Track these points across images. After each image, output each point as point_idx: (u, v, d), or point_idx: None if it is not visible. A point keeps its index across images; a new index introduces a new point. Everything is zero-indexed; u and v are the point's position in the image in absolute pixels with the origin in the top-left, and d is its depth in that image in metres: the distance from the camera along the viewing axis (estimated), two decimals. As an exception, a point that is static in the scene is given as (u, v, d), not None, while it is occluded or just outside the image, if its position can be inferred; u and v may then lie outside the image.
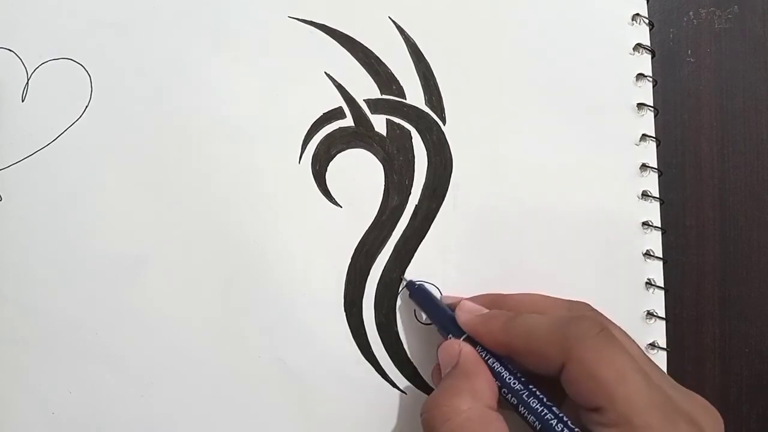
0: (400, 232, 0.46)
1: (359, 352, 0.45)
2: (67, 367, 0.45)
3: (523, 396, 0.36)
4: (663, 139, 0.47)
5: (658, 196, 0.47)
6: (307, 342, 0.45)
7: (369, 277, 0.45)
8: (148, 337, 0.45)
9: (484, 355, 0.39)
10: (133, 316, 0.45)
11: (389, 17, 0.46)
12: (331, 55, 0.46)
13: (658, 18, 0.48)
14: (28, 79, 0.45)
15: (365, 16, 0.46)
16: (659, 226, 0.46)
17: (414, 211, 0.46)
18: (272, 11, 0.46)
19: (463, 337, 0.40)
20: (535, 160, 0.46)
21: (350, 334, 0.45)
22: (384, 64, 0.46)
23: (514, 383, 0.37)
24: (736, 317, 0.49)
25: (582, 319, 0.36)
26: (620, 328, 0.39)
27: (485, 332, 0.39)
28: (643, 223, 0.46)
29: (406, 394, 0.45)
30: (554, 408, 0.35)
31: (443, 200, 0.46)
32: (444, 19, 0.46)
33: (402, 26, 0.46)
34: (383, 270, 0.45)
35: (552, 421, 0.35)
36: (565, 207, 0.46)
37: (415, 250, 0.46)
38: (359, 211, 0.46)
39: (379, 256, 0.45)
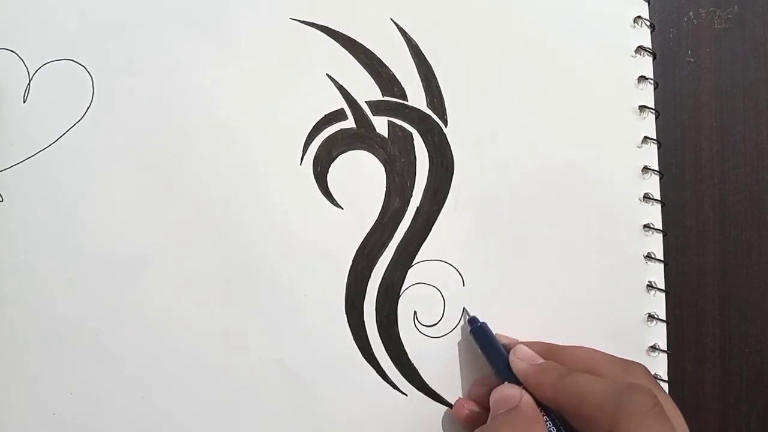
0: (402, 234, 0.46)
1: (360, 353, 0.45)
2: (68, 368, 0.45)
3: None
4: (663, 139, 0.47)
5: (659, 198, 0.47)
6: (307, 343, 0.45)
7: (370, 279, 0.45)
8: (149, 338, 0.45)
9: (540, 410, 0.39)
10: (133, 317, 0.45)
11: (391, 19, 0.46)
12: (332, 57, 0.46)
13: (658, 18, 0.48)
14: (29, 80, 0.45)
15: (367, 17, 0.46)
16: (660, 228, 0.47)
17: (415, 213, 0.46)
18: (274, 13, 0.46)
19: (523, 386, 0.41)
20: (536, 163, 0.46)
21: (351, 335, 0.45)
22: (386, 65, 0.46)
23: None
24: (736, 317, 0.49)
25: (636, 391, 0.36)
26: (671, 401, 0.39)
27: (536, 384, 0.40)
28: (644, 226, 0.46)
29: (406, 395, 0.45)
30: None
31: (444, 202, 0.46)
32: (446, 22, 0.46)
33: (404, 28, 0.46)
34: (384, 272, 0.45)
35: None
36: (566, 209, 0.46)
37: (417, 252, 0.46)
38: (360, 213, 0.46)
39: (381, 257, 0.45)
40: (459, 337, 0.46)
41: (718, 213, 0.49)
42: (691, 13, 0.50)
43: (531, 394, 0.40)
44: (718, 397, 0.49)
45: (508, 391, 0.40)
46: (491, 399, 0.41)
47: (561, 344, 0.43)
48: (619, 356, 0.41)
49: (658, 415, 0.35)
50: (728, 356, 0.49)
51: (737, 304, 0.49)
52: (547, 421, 0.39)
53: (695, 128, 0.49)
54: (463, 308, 0.46)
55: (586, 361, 0.41)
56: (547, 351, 0.43)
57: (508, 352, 0.43)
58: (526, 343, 0.43)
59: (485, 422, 0.40)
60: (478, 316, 0.45)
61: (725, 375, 0.49)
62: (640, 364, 0.41)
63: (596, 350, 0.42)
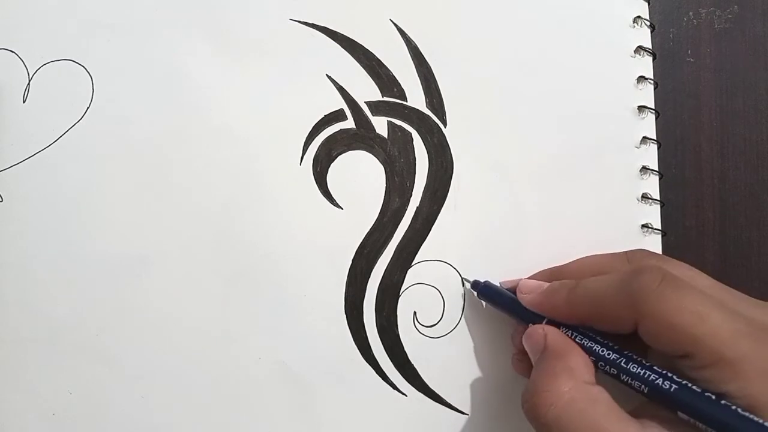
0: (401, 234, 0.46)
1: (360, 354, 0.45)
2: (68, 368, 0.45)
3: (621, 364, 0.36)
4: (663, 139, 0.47)
5: (658, 198, 0.47)
6: (307, 344, 0.45)
7: (370, 279, 0.45)
8: (149, 338, 0.45)
9: (569, 334, 0.39)
10: (133, 317, 0.45)
11: (390, 20, 0.46)
12: (332, 58, 0.46)
13: (658, 18, 0.48)
14: (29, 80, 0.45)
15: (367, 18, 0.46)
16: (659, 228, 0.47)
17: (415, 213, 0.46)
18: (274, 14, 0.46)
19: (545, 321, 0.40)
20: (535, 163, 0.46)
21: (351, 336, 0.45)
22: (385, 66, 0.46)
23: (608, 354, 0.37)
24: (735, 317, 0.49)
25: (641, 272, 0.35)
26: (682, 264, 0.39)
27: (550, 308, 0.39)
28: (643, 226, 0.46)
29: (406, 396, 0.45)
30: (655, 367, 0.35)
31: (444, 202, 0.46)
32: (445, 22, 0.46)
33: (403, 29, 0.46)
34: (384, 272, 0.45)
35: (658, 381, 0.34)
36: (565, 209, 0.46)
37: (416, 253, 0.46)
38: (360, 213, 0.46)
39: (380, 258, 0.45)
40: (459, 337, 0.45)
41: (718, 213, 0.49)
42: (691, 13, 0.49)
43: (551, 319, 0.40)
44: (718, 397, 0.49)
45: (532, 335, 0.39)
46: (525, 347, 0.40)
47: (562, 263, 0.44)
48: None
49: (671, 284, 0.34)
50: (728, 356, 0.49)
51: (737, 305, 0.49)
52: (582, 339, 0.38)
53: (695, 128, 0.49)
54: (463, 280, 0.46)
55: (591, 268, 0.41)
56: (550, 275, 0.43)
57: None
58: (529, 277, 0.44)
59: None
60: (477, 280, 0.45)
61: (725, 375, 0.49)
62: (640, 248, 0.41)
63: (597, 255, 0.43)
